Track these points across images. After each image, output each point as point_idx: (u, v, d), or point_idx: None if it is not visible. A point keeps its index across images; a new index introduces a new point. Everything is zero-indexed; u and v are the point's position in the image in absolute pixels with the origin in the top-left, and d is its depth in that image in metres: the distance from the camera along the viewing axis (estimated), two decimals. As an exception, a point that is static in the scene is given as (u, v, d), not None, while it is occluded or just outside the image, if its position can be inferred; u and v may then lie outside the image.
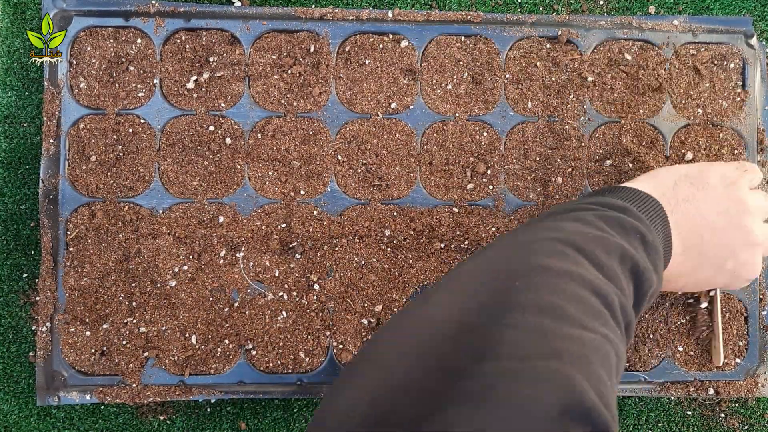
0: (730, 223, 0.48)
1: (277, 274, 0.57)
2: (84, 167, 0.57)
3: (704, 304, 0.57)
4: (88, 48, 0.57)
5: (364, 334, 0.57)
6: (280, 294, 0.57)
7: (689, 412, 0.62)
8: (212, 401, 0.59)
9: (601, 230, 0.40)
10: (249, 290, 0.57)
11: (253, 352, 0.57)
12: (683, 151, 0.60)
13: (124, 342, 0.56)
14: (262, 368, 0.57)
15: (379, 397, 0.30)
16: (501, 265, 0.38)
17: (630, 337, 0.39)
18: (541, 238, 0.39)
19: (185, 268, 0.57)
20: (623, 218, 0.42)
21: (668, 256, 0.46)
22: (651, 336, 0.59)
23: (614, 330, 0.36)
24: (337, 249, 0.58)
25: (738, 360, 0.59)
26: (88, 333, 0.56)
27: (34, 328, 0.59)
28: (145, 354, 0.56)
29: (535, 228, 0.42)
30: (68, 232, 0.56)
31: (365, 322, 0.57)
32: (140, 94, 0.58)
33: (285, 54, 0.58)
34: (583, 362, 0.30)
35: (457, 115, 0.59)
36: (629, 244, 0.41)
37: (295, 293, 0.57)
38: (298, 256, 0.57)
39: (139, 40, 0.58)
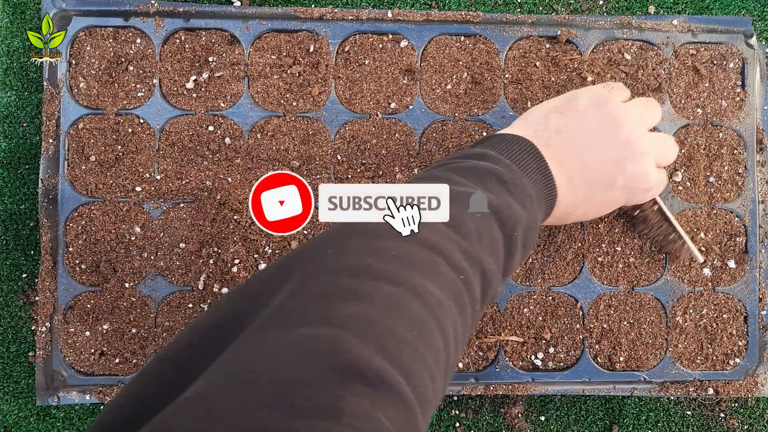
0: (609, 140, 0.46)
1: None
2: (83, 167, 0.57)
3: (655, 219, 0.56)
4: (88, 48, 0.57)
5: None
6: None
7: (689, 412, 0.62)
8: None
9: (450, 182, 0.40)
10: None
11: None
12: (682, 151, 0.60)
13: (124, 342, 0.56)
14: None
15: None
16: (325, 235, 0.38)
17: (488, 278, 0.38)
18: None
19: (185, 268, 0.57)
20: (477, 165, 0.42)
21: (551, 191, 0.45)
22: (649, 336, 0.59)
23: (444, 277, 0.35)
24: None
25: (737, 359, 0.59)
26: (87, 333, 0.56)
27: (33, 328, 0.59)
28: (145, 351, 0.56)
29: None
30: (67, 232, 0.57)
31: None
32: (140, 94, 0.58)
33: (284, 54, 0.58)
34: (361, 320, 0.30)
35: (456, 115, 0.59)
36: (484, 188, 0.40)
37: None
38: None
39: (138, 40, 0.58)
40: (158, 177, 0.57)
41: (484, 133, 0.59)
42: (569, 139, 0.46)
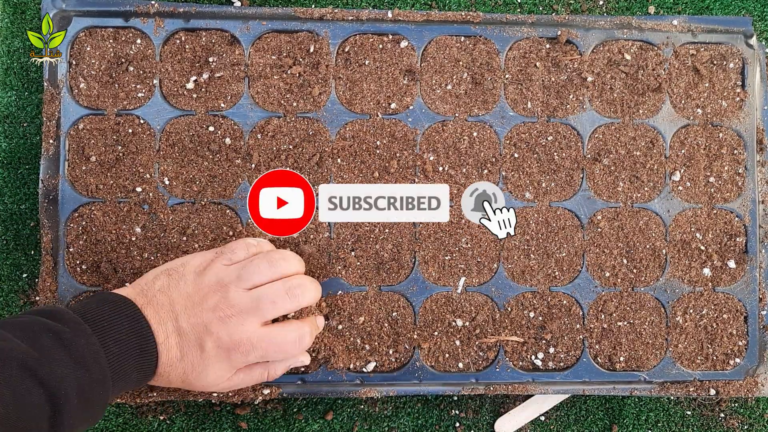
0: (198, 304, 0.48)
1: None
2: (84, 168, 0.57)
3: None
4: (88, 48, 0.58)
5: (353, 337, 0.57)
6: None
7: (689, 412, 0.62)
8: (212, 401, 0.59)
9: None
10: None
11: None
12: (683, 151, 0.60)
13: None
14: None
15: None
16: None
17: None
18: None
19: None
20: (34, 320, 0.43)
21: (148, 348, 0.46)
22: (650, 336, 0.59)
23: None
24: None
25: (738, 359, 0.59)
26: (88, 333, 0.57)
27: (34, 328, 0.59)
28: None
29: None
30: (68, 233, 0.57)
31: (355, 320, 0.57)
32: (140, 95, 0.58)
33: (285, 54, 0.58)
34: None
35: (456, 115, 0.59)
36: (34, 344, 0.42)
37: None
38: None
39: (138, 41, 0.58)
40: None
41: (484, 134, 0.59)
42: (168, 300, 0.48)
